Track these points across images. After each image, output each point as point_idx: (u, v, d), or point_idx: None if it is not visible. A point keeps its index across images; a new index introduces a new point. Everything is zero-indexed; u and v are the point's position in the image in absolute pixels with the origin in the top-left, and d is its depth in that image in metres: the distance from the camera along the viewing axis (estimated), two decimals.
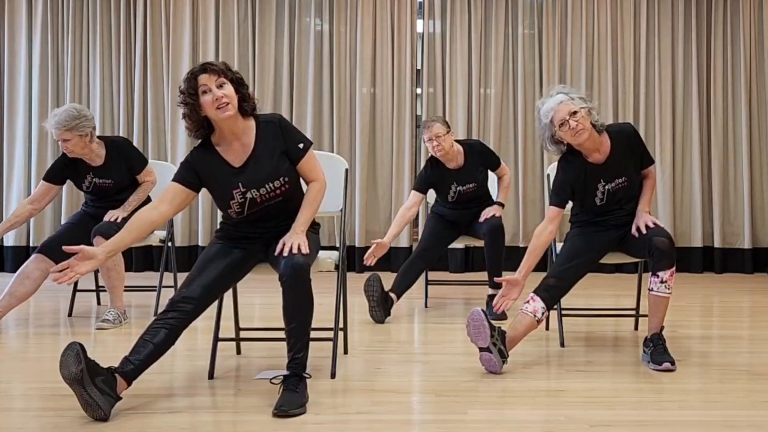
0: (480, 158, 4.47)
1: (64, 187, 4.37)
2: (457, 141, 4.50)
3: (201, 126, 2.74)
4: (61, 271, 2.51)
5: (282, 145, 2.76)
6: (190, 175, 2.76)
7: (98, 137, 4.08)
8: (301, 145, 2.79)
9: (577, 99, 3.17)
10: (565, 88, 3.26)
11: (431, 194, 4.64)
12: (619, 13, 6.71)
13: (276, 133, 2.77)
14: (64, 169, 4.08)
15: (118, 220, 3.99)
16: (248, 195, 2.74)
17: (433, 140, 4.31)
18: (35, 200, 4.07)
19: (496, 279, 3.37)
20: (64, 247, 2.57)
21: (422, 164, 6.70)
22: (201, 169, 2.76)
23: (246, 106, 2.75)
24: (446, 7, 6.70)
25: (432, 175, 4.46)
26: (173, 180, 2.77)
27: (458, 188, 4.45)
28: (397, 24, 6.67)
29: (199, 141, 2.80)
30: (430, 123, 4.36)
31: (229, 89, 2.68)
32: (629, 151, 3.28)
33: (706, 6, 6.71)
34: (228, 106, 2.65)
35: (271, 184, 2.74)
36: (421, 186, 4.49)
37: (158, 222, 2.75)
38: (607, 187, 3.26)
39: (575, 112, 3.13)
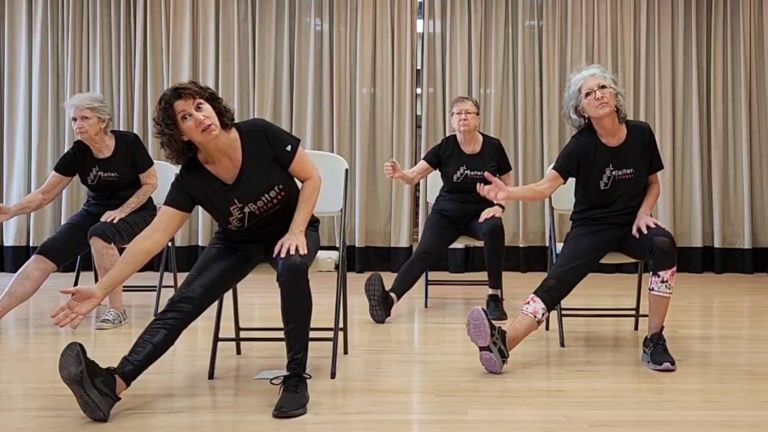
0: (495, 154, 4.55)
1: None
2: (480, 132, 4.61)
3: (183, 152, 2.65)
4: (62, 312, 2.52)
5: (270, 153, 2.70)
6: (183, 198, 2.70)
7: (111, 131, 4.16)
8: (288, 148, 2.72)
9: (609, 79, 3.27)
10: (600, 67, 3.35)
11: (433, 194, 4.64)
12: (619, 13, 6.70)
13: (262, 142, 2.69)
14: (74, 161, 4.14)
15: (115, 221, 3.99)
16: (246, 210, 2.72)
17: (462, 114, 4.42)
18: (46, 191, 4.13)
19: (487, 175, 3.24)
20: (61, 290, 2.58)
21: None
22: (193, 191, 2.70)
23: (225, 119, 2.64)
24: (446, 7, 6.69)
25: (445, 150, 4.54)
26: (165, 204, 2.71)
27: (466, 171, 4.48)
28: (397, 24, 6.67)
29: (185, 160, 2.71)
30: (463, 98, 4.53)
31: (207, 109, 2.58)
32: (642, 148, 3.33)
33: (706, 6, 6.71)
34: (211, 126, 2.57)
35: (266, 196, 2.71)
36: (430, 158, 4.58)
37: (154, 251, 2.69)
38: (614, 172, 3.29)
39: (604, 86, 3.22)
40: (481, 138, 4.57)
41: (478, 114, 4.52)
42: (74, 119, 4.02)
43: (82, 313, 2.52)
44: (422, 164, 4.59)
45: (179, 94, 2.55)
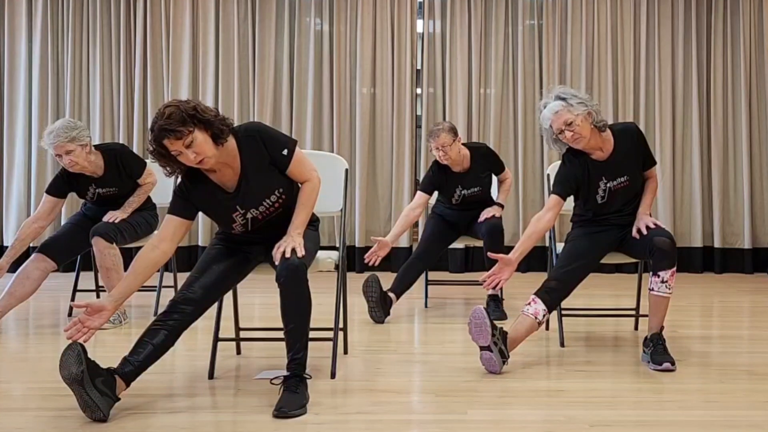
0: (485, 162, 4.47)
1: None
2: (465, 144, 4.49)
3: (180, 166, 2.62)
4: (74, 326, 2.49)
5: (267, 157, 2.67)
6: (187, 206, 2.69)
7: (94, 146, 4.01)
8: (285, 152, 2.68)
9: (576, 104, 3.15)
10: (565, 90, 3.21)
11: (432, 196, 4.63)
12: (619, 13, 6.70)
13: (258, 147, 2.65)
14: (66, 185, 4.02)
15: (117, 221, 3.98)
16: (248, 215, 2.71)
17: (440, 150, 4.30)
18: (40, 218, 3.97)
19: (490, 254, 3.29)
20: (72, 303, 2.56)
21: (422, 164, 6.76)
22: (196, 199, 2.69)
23: (221, 140, 2.57)
24: (446, 7, 6.69)
25: (437, 177, 4.45)
26: (170, 213, 2.68)
27: (463, 192, 4.45)
28: (397, 24, 6.67)
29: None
30: (437, 132, 4.30)
31: (198, 144, 2.49)
32: (632, 151, 3.28)
33: (706, 6, 6.71)
34: (205, 159, 2.53)
35: (268, 201, 2.71)
36: (426, 187, 4.47)
37: (162, 262, 2.69)
38: (608, 185, 3.26)
39: (571, 123, 3.13)
40: (467, 152, 4.43)
41: (455, 139, 4.32)
42: (58, 156, 3.84)
43: (94, 327, 2.51)
44: (420, 197, 4.43)
45: (165, 135, 2.48)
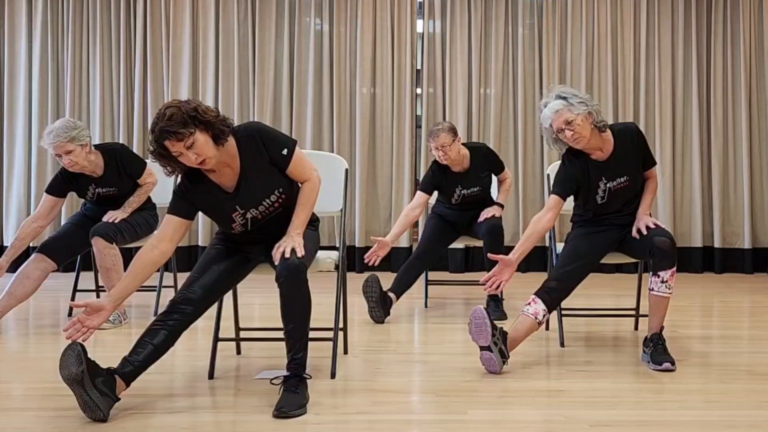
0: (485, 162, 4.47)
1: None
2: (464, 144, 4.49)
3: (181, 166, 2.62)
4: (74, 326, 2.48)
5: (267, 157, 2.66)
6: (187, 206, 2.68)
7: (94, 146, 4.00)
8: (285, 152, 2.67)
9: (577, 103, 3.14)
10: (565, 90, 3.20)
11: (432, 196, 4.64)
12: (619, 13, 6.71)
13: (258, 147, 2.65)
14: (65, 184, 4.01)
15: (117, 221, 3.98)
16: (248, 215, 2.71)
17: (440, 150, 4.30)
18: (40, 217, 3.97)
19: (490, 255, 3.31)
20: (71, 303, 2.56)
21: (422, 164, 6.76)
22: (196, 198, 2.69)
23: (221, 140, 2.57)
24: (446, 7, 6.69)
25: (437, 177, 4.45)
26: (169, 213, 2.68)
27: (463, 192, 4.45)
28: (397, 24, 6.67)
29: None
30: (436, 132, 4.30)
31: (200, 145, 2.49)
32: (632, 151, 3.27)
33: (706, 6, 6.71)
34: (206, 160, 2.53)
35: (267, 200, 2.70)
36: (426, 187, 4.47)
37: (162, 262, 2.69)
38: (608, 185, 3.25)
39: (571, 122, 3.12)
40: (467, 152, 4.43)
41: (455, 139, 4.31)
42: (58, 155, 3.83)
43: (93, 327, 2.51)
44: (420, 197, 4.43)
45: (166, 137, 2.47)
